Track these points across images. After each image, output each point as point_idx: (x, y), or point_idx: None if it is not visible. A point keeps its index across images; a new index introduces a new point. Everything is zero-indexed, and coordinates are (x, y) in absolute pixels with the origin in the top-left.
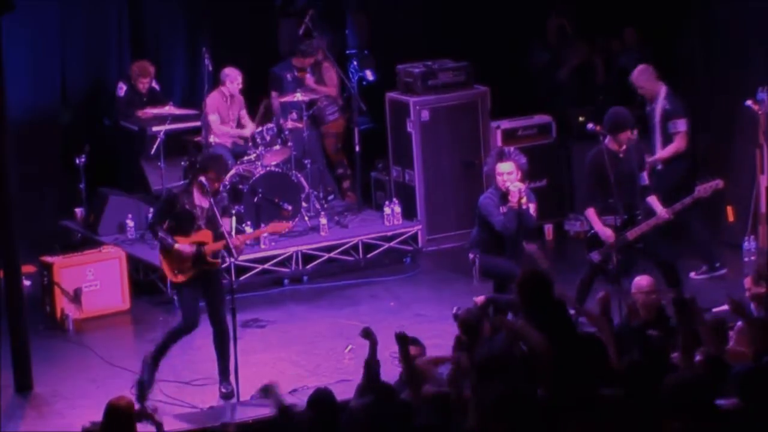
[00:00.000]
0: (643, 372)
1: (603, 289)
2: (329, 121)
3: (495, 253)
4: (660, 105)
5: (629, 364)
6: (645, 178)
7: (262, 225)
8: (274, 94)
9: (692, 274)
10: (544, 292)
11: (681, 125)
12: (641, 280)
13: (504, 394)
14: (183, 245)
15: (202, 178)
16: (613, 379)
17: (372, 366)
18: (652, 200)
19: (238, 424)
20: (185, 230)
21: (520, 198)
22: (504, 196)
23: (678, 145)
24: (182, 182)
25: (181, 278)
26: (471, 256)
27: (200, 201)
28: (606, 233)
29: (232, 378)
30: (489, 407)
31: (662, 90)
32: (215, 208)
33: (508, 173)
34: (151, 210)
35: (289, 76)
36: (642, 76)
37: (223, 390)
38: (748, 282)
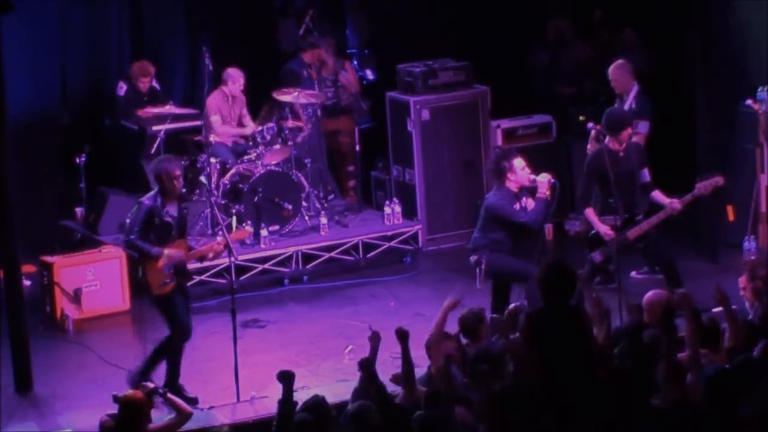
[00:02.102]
0: (630, 378)
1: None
2: (355, 117)
3: (509, 252)
4: (628, 103)
5: (618, 370)
6: (646, 175)
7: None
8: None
9: (633, 273)
10: (567, 291)
11: (643, 127)
12: (654, 296)
13: (495, 392)
14: (172, 250)
15: (162, 188)
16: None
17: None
18: (657, 195)
19: (232, 425)
20: (162, 243)
21: (549, 188)
22: (517, 193)
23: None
24: (150, 194)
25: (167, 289)
26: (473, 258)
27: (172, 210)
28: (605, 230)
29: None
30: (480, 405)
31: (634, 89)
32: (184, 214)
33: (526, 166)
34: (130, 224)
35: (305, 73)
36: (618, 69)
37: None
38: (743, 281)
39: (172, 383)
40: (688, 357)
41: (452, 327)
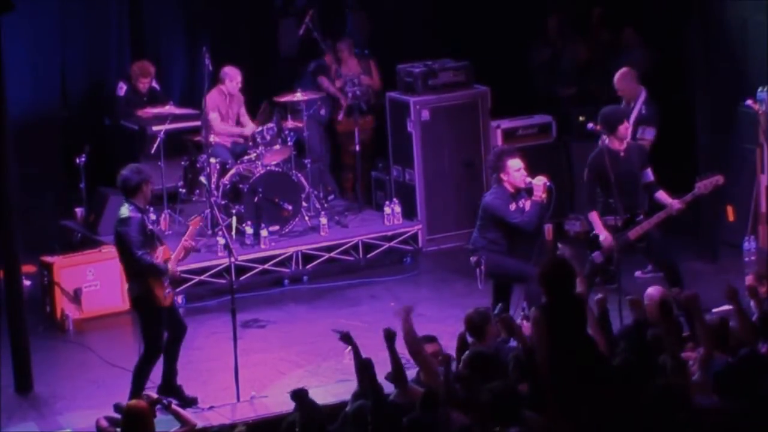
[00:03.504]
0: (633, 370)
1: (601, 291)
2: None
3: (504, 253)
4: (637, 109)
5: (621, 362)
6: (649, 175)
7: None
8: (323, 78)
9: (638, 273)
10: (568, 283)
11: (649, 133)
12: (654, 291)
13: (495, 392)
14: (173, 266)
15: (142, 196)
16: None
17: (368, 367)
18: (661, 195)
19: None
20: (151, 253)
21: (545, 191)
22: (515, 193)
23: None
24: (129, 207)
25: (169, 300)
26: (473, 259)
27: (148, 219)
28: (606, 239)
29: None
30: (481, 405)
31: (642, 94)
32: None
33: (522, 168)
34: (122, 238)
35: (333, 67)
36: (623, 78)
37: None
38: (749, 280)
39: (169, 383)
40: (702, 355)
41: (456, 326)
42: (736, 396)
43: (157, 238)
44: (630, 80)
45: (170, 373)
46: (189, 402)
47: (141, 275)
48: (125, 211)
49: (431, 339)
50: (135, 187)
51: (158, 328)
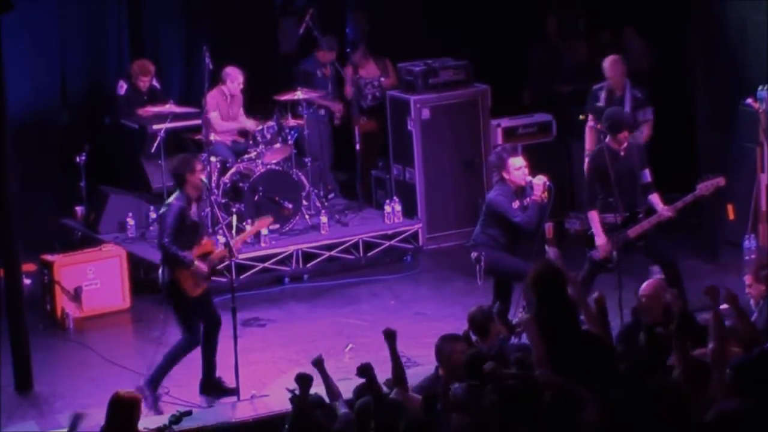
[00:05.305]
0: (643, 372)
1: (599, 289)
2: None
3: (504, 250)
4: (629, 94)
5: (630, 365)
6: (647, 175)
7: (252, 221)
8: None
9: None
10: (558, 288)
11: (650, 113)
12: (648, 285)
13: (494, 393)
14: (200, 264)
15: (190, 186)
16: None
17: (368, 371)
18: (654, 198)
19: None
20: (191, 243)
21: (544, 191)
22: (518, 191)
23: (648, 132)
24: (176, 195)
25: (199, 291)
26: (474, 254)
27: (195, 209)
28: (603, 244)
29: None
30: (482, 407)
31: (627, 80)
32: (202, 213)
33: (524, 167)
34: (159, 222)
35: (318, 73)
36: (616, 66)
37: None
38: (748, 279)
39: (209, 379)
40: (712, 352)
41: (456, 324)
42: (756, 393)
43: (202, 230)
44: (622, 68)
45: (209, 368)
46: (228, 392)
47: (168, 262)
48: (171, 198)
49: (457, 338)
50: (178, 177)
51: (192, 317)
